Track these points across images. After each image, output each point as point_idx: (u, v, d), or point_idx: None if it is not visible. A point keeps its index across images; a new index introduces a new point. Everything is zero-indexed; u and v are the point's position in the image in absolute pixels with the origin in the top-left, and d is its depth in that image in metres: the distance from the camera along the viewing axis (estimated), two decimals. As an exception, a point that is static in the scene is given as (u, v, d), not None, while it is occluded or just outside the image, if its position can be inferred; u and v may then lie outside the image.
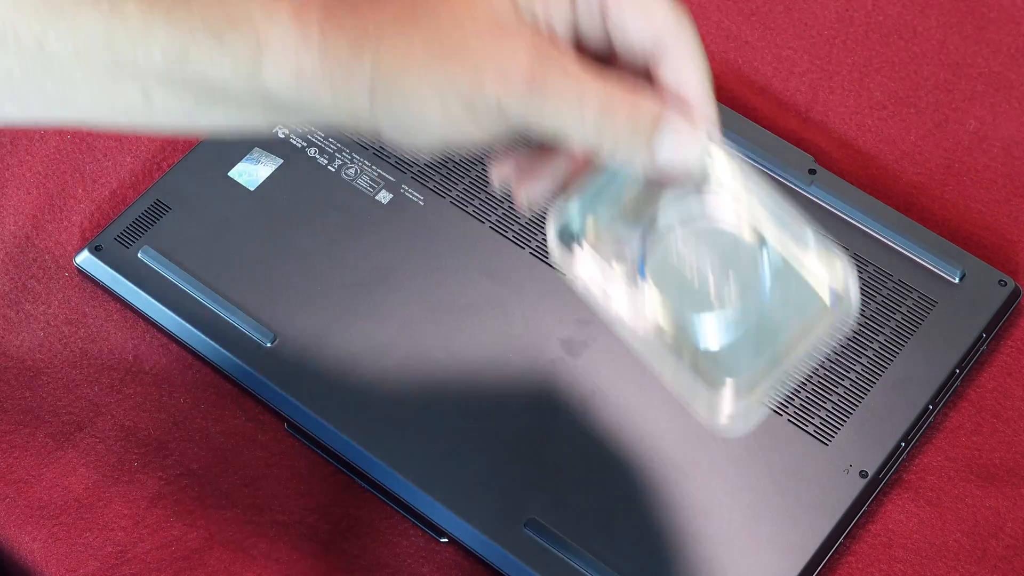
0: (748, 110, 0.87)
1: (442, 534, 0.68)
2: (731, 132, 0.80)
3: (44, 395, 0.77)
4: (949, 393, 0.75)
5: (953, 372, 0.75)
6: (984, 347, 0.77)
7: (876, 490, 0.71)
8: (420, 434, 0.70)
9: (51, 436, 0.75)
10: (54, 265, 0.81)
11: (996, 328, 0.77)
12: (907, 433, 0.73)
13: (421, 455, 0.68)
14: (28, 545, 0.72)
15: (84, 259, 0.79)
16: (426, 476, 0.71)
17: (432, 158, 0.79)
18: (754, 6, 0.92)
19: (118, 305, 0.79)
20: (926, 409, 0.74)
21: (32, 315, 0.80)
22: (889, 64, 0.89)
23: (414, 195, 0.81)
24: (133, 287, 0.78)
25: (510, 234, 0.79)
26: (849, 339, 0.76)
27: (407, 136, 0.52)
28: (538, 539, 0.67)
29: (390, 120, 0.52)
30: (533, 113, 0.49)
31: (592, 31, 0.51)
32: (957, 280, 0.78)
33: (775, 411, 0.73)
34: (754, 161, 0.82)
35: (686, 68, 0.51)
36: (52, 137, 0.85)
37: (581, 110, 0.49)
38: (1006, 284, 0.78)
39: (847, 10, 0.91)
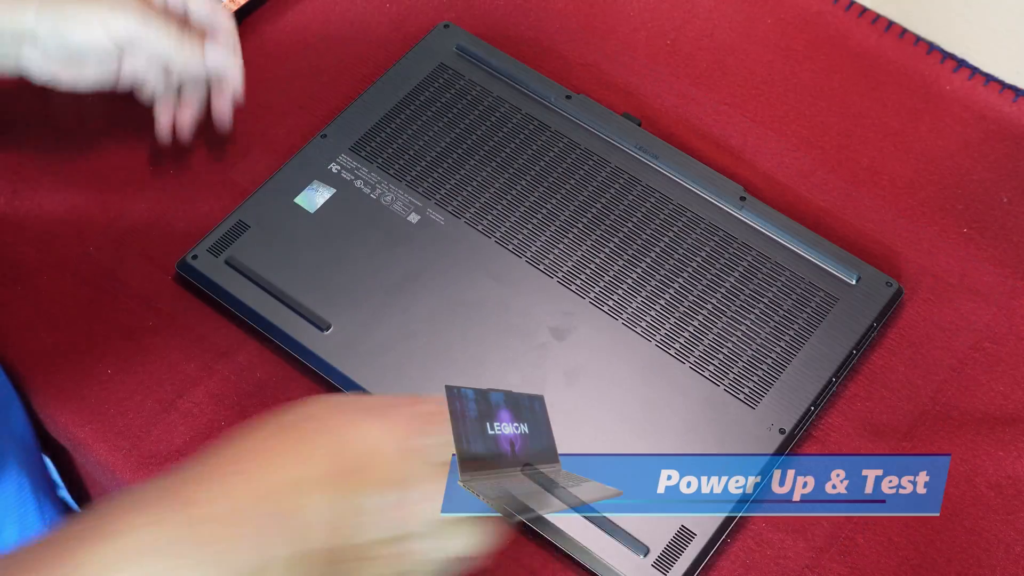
0: (692, 151, 0.89)
1: None
2: (678, 167, 0.85)
3: (153, 371, 0.80)
4: (848, 369, 0.79)
5: (851, 352, 0.78)
6: (874, 333, 0.80)
7: (791, 444, 0.75)
8: None
9: (158, 402, 0.79)
10: (161, 270, 0.84)
11: (884, 319, 0.80)
12: (816, 399, 0.77)
13: None
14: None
15: (183, 265, 0.82)
16: None
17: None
18: (699, 71, 0.94)
19: (209, 301, 0.82)
20: (830, 381, 0.77)
21: (145, 310, 0.83)
22: (803, 116, 0.92)
23: (437, 216, 0.83)
24: (221, 287, 0.81)
25: (510, 246, 0.82)
26: (772, 327, 0.78)
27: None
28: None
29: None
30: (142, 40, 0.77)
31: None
32: (854, 282, 0.81)
33: (713, 382, 0.76)
34: (696, 189, 0.84)
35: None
36: (164, 169, 0.88)
37: (167, 39, 0.78)
38: (892, 285, 0.81)
39: (770, 74, 0.94)
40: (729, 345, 0.79)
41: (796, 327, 0.79)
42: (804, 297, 0.81)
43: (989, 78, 0.93)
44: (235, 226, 0.84)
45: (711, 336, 0.79)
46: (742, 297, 0.81)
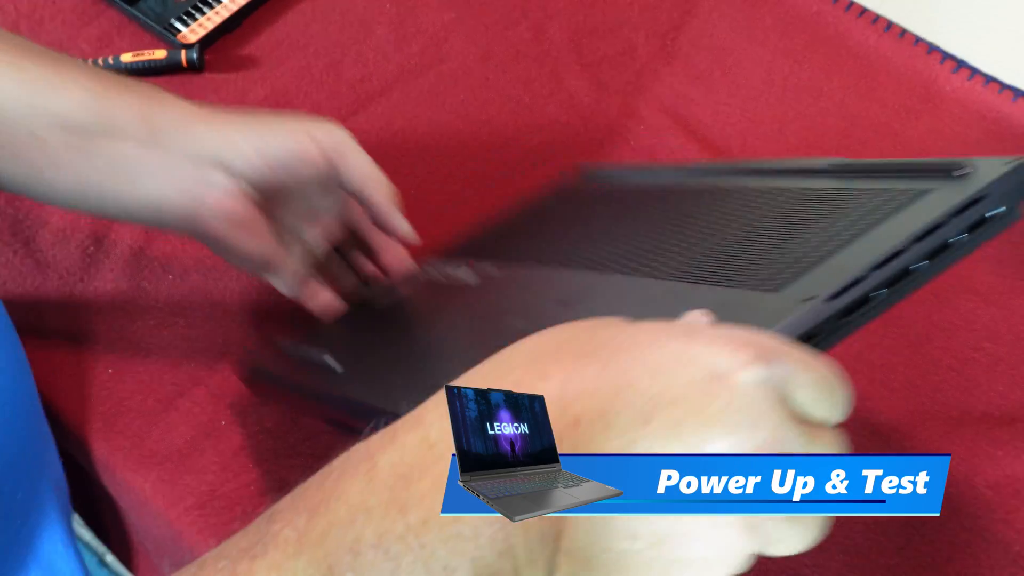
0: (691, 152, 0.90)
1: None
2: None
3: (153, 371, 0.80)
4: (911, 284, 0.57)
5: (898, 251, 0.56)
6: (967, 246, 0.59)
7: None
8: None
9: (159, 401, 0.79)
10: (160, 268, 0.84)
11: (987, 232, 0.60)
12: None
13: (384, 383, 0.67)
14: (140, 485, 0.76)
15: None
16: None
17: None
18: (697, 71, 0.96)
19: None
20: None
21: (145, 308, 0.83)
22: (802, 116, 0.93)
23: None
24: None
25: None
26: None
27: None
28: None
29: None
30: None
31: None
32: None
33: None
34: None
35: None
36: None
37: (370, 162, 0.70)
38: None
39: (769, 74, 0.96)
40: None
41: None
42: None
43: (989, 78, 0.94)
44: None
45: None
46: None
